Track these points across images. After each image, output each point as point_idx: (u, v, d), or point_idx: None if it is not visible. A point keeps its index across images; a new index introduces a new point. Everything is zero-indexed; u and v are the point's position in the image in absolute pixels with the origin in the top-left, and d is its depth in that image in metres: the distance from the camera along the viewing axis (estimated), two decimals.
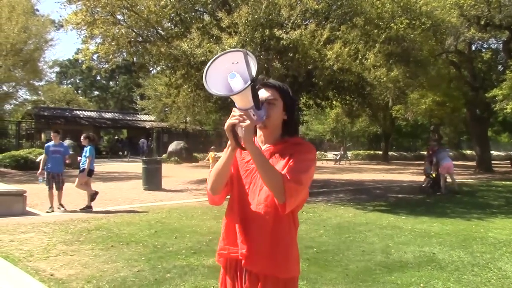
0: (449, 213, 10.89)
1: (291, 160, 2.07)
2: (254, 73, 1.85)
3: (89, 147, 10.81)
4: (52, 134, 11.11)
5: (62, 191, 10.67)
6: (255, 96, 1.91)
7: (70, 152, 11.38)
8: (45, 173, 10.58)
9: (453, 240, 7.64)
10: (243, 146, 1.95)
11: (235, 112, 1.94)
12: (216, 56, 1.98)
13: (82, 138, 11.15)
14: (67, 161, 11.06)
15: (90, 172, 10.90)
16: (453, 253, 6.67)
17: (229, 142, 2.01)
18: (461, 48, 25.52)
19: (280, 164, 2.08)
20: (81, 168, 10.80)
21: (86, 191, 10.92)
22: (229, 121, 1.94)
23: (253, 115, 1.96)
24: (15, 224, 8.59)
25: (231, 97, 1.90)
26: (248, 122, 1.90)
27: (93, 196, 10.77)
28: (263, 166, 1.96)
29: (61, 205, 10.52)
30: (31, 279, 5.22)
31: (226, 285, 2.21)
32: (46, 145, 11.03)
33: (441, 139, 38.42)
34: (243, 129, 1.91)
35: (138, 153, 37.85)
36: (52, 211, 10.24)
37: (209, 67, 1.95)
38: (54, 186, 10.52)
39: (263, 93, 2.16)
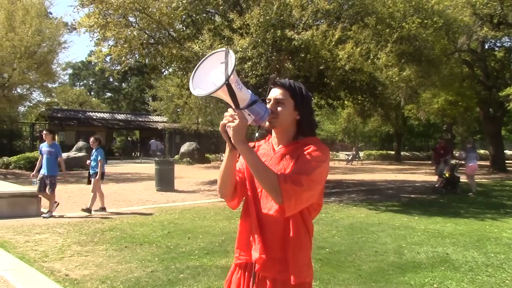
0: (462, 213, 10.82)
1: (297, 161, 2.02)
2: (230, 72, 1.81)
3: (99, 149, 10.63)
4: (43, 134, 10.44)
5: (54, 194, 10.03)
6: (232, 95, 1.85)
7: (83, 154, 10.96)
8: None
9: (466, 241, 7.59)
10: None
11: (228, 112, 1.92)
12: (205, 57, 1.96)
13: (91, 140, 10.93)
14: (61, 171, 10.30)
15: (102, 175, 10.69)
16: (467, 254, 6.63)
17: (227, 144, 1.98)
18: (473, 47, 25.33)
19: (289, 166, 2.03)
20: (93, 172, 10.56)
21: (97, 196, 10.53)
22: (222, 121, 1.93)
23: (249, 114, 1.93)
24: (30, 225, 8.69)
25: (221, 98, 1.89)
26: (236, 122, 1.87)
27: (89, 209, 10.21)
28: (255, 166, 1.93)
29: (50, 211, 9.82)
30: (46, 279, 5.29)
31: (231, 284, 2.19)
32: (40, 145, 10.58)
33: (453, 139, 38.14)
34: (231, 129, 1.88)
35: (149, 153, 38.03)
36: (51, 216, 9.70)
37: (197, 68, 1.95)
38: (47, 189, 9.83)
39: (273, 93, 2.12)
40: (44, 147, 10.16)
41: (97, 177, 10.45)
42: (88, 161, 10.98)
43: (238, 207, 2.25)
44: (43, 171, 9.91)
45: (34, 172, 10.22)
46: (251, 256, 2.10)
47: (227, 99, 1.88)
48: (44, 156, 10.01)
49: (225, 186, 2.11)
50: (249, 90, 1.96)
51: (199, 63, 1.96)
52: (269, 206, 2.06)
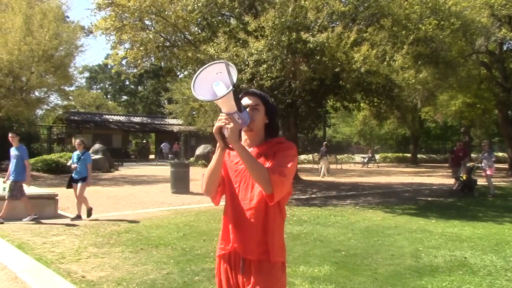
0: (480, 216, 10.68)
1: (275, 157, 2.31)
2: (234, 80, 2.06)
3: (86, 153, 10.02)
4: (9, 137, 9.55)
5: (25, 199, 9.40)
6: (237, 99, 2.13)
7: (99, 156, 10.41)
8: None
9: (485, 244, 7.49)
10: (230, 146, 2.18)
11: (222, 116, 2.17)
12: (202, 68, 2.19)
13: (77, 143, 10.25)
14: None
15: (86, 180, 9.90)
16: (485, 258, 6.54)
17: (218, 144, 2.24)
18: (492, 48, 25.02)
19: (267, 162, 2.31)
20: (79, 177, 9.79)
21: (83, 204, 9.85)
22: (217, 124, 2.18)
23: (238, 118, 2.17)
24: (47, 227, 8.78)
25: (216, 103, 2.13)
26: (232, 124, 2.13)
27: (79, 216, 9.74)
28: (249, 162, 2.20)
29: (30, 214, 9.39)
30: (63, 280, 5.32)
31: (221, 277, 2.45)
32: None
33: (471, 142, 37.71)
34: (228, 130, 2.13)
35: (162, 156, 38.38)
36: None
37: (196, 77, 2.17)
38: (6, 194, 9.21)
39: (247, 101, 2.39)
40: (12, 151, 9.53)
41: (86, 181, 9.82)
42: (74, 165, 9.93)
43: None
44: (12, 176, 9.31)
45: (6, 178, 9.57)
46: (233, 246, 2.38)
47: (227, 104, 2.11)
48: (12, 161, 9.45)
49: (212, 184, 2.38)
50: None
51: (196, 74, 2.19)
52: (249, 197, 2.35)
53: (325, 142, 24.83)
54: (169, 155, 37.66)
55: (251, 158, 2.22)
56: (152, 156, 42.30)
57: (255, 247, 2.31)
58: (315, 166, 27.76)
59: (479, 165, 14.91)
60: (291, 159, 2.30)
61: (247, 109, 2.33)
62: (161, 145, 39.94)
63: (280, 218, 2.39)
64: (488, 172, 14.57)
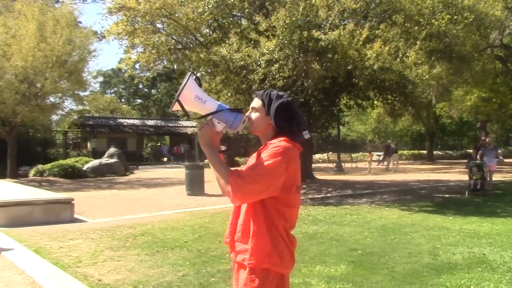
0: (499, 212, 10.54)
1: (256, 158, 2.28)
2: (182, 91, 2.19)
3: None
4: None
5: None
6: (183, 109, 2.25)
7: (114, 160, 9.86)
8: None
9: (504, 241, 7.37)
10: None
11: (202, 120, 2.30)
12: (186, 79, 2.27)
13: None
14: None
15: None
16: (505, 254, 6.43)
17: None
18: (506, 42, 24.72)
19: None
20: None
21: None
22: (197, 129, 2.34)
23: (218, 122, 2.26)
24: (64, 231, 8.83)
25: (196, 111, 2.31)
26: (204, 128, 2.26)
27: None
28: (213, 165, 2.23)
29: None
30: (80, 284, 5.35)
31: (233, 269, 2.42)
32: None
33: (486, 137, 37.31)
34: (197, 133, 2.27)
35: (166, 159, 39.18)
36: None
37: (181, 90, 2.24)
38: None
39: (252, 102, 2.44)
40: None
41: None
42: None
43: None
44: None
45: None
46: (225, 240, 2.42)
47: (200, 110, 2.28)
48: None
49: (219, 183, 2.29)
50: (216, 102, 2.30)
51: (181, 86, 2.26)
52: None
53: (389, 141, 27.34)
54: (170, 157, 38.18)
55: (214, 161, 2.23)
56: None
57: (236, 247, 2.30)
58: (330, 165, 27.69)
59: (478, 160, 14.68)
60: (265, 160, 2.16)
61: (249, 111, 2.40)
62: (160, 147, 40.83)
63: (268, 223, 2.22)
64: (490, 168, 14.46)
